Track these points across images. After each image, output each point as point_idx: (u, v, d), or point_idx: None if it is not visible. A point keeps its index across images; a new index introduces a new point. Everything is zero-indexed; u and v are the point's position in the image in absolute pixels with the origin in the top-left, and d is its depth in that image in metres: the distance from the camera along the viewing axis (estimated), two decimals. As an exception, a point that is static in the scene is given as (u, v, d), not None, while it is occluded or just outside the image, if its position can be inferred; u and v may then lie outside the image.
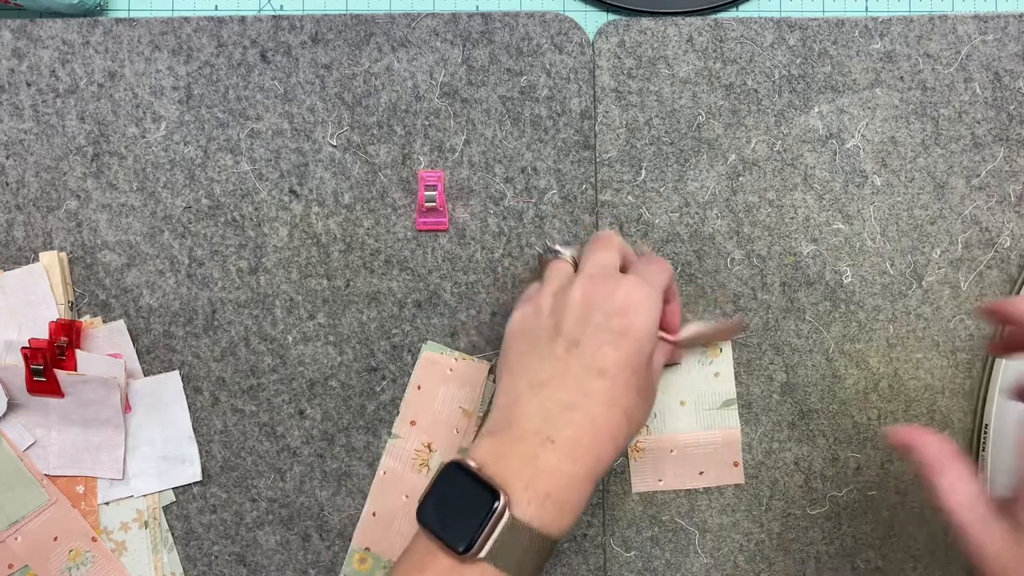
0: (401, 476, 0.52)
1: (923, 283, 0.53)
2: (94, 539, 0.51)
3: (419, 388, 0.52)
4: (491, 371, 0.52)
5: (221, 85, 0.52)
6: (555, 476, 0.39)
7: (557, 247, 0.47)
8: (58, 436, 0.51)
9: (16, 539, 0.50)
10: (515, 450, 0.40)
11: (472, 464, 0.39)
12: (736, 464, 0.52)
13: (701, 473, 0.52)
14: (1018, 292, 0.52)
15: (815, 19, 0.53)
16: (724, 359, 0.52)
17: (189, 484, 0.51)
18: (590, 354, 0.41)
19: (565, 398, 0.40)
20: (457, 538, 0.38)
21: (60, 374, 0.49)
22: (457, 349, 0.52)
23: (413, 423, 0.52)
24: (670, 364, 0.51)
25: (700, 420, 0.52)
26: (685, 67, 0.53)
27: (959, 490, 0.37)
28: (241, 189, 0.52)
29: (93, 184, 0.52)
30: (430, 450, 0.52)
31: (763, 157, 0.53)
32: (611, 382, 0.40)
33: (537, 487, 0.39)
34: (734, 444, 0.52)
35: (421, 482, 0.52)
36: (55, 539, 0.50)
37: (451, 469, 0.40)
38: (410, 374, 0.52)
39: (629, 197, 0.53)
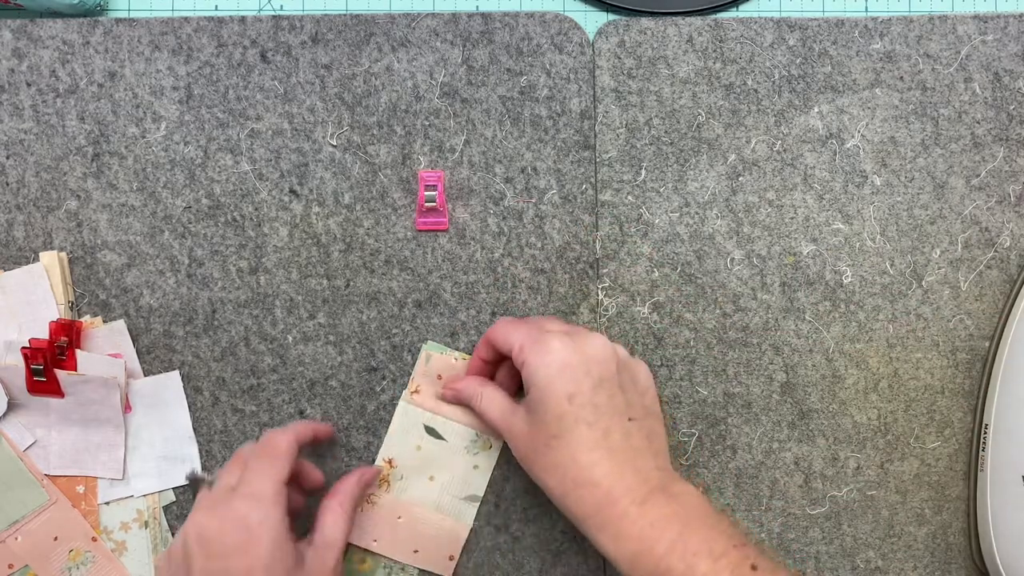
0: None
1: (923, 283, 0.53)
2: (94, 539, 0.51)
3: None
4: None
5: (221, 85, 0.52)
6: None
7: (198, 473, 0.48)
8: (58, 436, 0.51)
9: (16, 539, 0.50)
10: None
11: None
12: (451, 558, 0.51)
13: (416, 551, 0.50)
14: (1018, 292, 0.52)
15: (815, 19, 0.53)
16: (490, 455, 0.51)
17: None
18: None
19: None
20: None
21: (60, 374, 0.49)
22: (457, 349, 0.52)
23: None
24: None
25: (439, 501, 0.51)
26: (685, 67, 0.53)
27: (493, 404, 0.46)
28: (241, 189, 0.52)
29: (93, 184, 0.52)
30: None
31: (763, 157, 0.53)
32: None
33: None
34: (458, 539, 0.51)
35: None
36: (55, 539, 0.50)
37: None
38: (410, 374, 0.52)
39: (629, 197, 0.53)
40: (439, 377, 0.51)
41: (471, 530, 0.51)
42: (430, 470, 0.51)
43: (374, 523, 0.50)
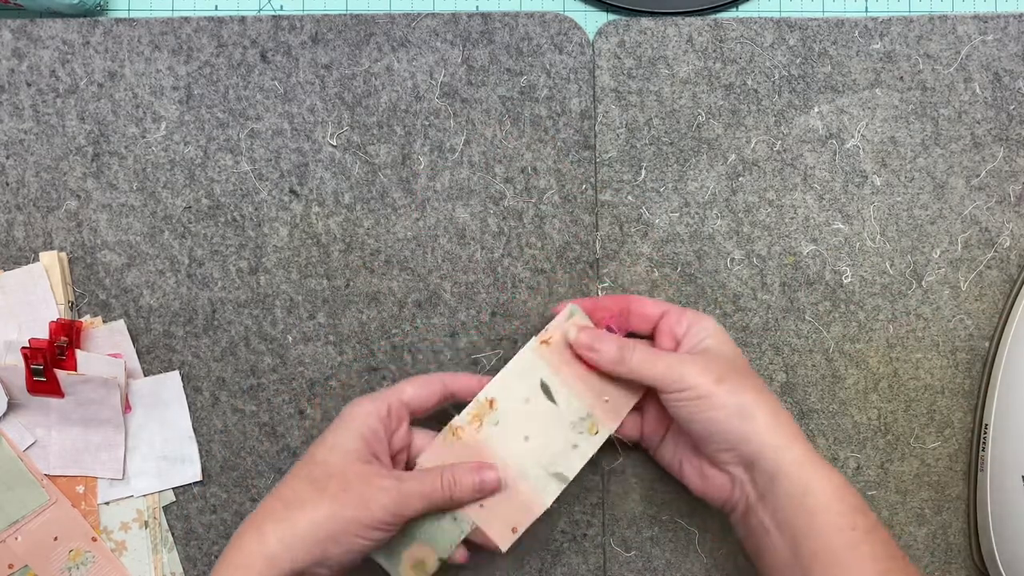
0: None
1: (923, 283, 0.53)
2: (94, 539, 0.51)
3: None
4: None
5: (221, 85, 0.52)
6: None
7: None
8: (58, 436, 0.51)
9: (16, 539, 0.50)
10: None
11: None
12: (514, 530, 0.46)
13: (481, 506, 0.45)
14: (1018, 292, 0.52)
15: (815, 19, 0.53)
16: (592, 441, 0.47)
17: (189, 484, 0.51)
18: None
19: None
20: None
21: (60, 374, 0.49)
22: (457, 349, 0.52)
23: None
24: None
25: (524, 466, 0.46)
26: (685, 67, 0.53)
27: (647, 352, 0.45)
28: (241, 189, 0.52)
29: (93, 184, 0.52)
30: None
31: (763, 157, 0.53)
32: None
33: None
34: (530, 512, 0.46)
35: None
36: (55, 539, 0.50)
37: None
38: (410, 374, 0.52)
39: (629, 197, 0.53)
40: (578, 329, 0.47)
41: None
42: (528, 430, 0.46)
43: (453, 456, 0.46)
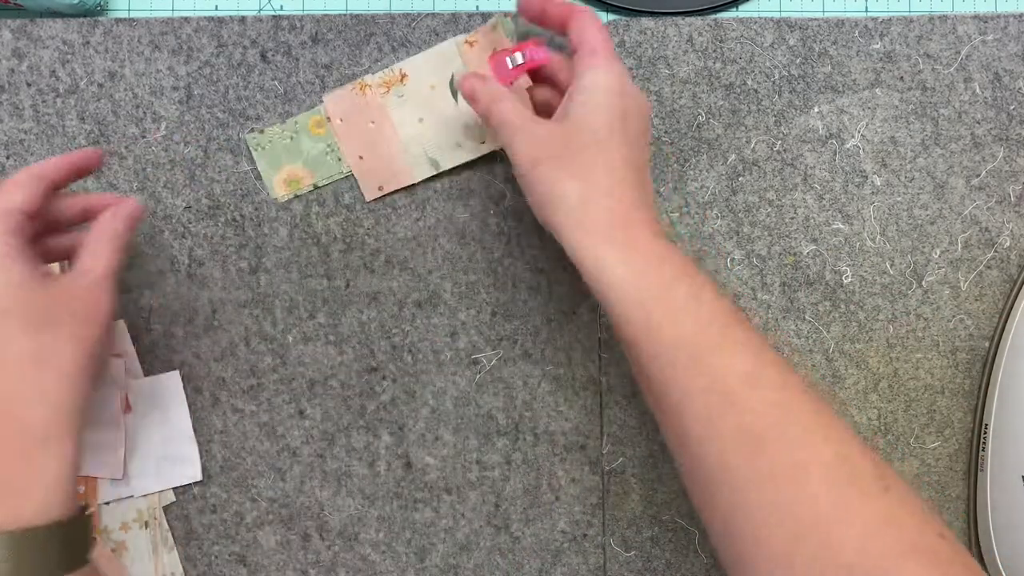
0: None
1: (923, 283, 0.53)
2: (94, 539, 0.51)
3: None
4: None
5: (221, 85, 0.52)
6: None
7: None
8: (58, 436, 0.51)
9: (16, 539, 0.50)
10: None
11: None
12: (380, 188, 0.51)
13: (360, 158, 0.51)
14: (1018, 292, 0.52)
15: (815, 19, 0.53)
16: (475, 149, 0.51)
17: (189, 484, 0.51)
18: None
19: None
20: None
21: (60, 374, 0.49)
22: (457, 349, 0.52)
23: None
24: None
25: (408, 142, 0.51)
26: (685, 67, 0.53)
27: (510, 104, 0.43)
28: (241, 189, 0.52)
29: (93, 184, 0.52)
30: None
31: (763, 157, 0.53)
32: None
33: None
34: (396, 180, 0.51)
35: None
36: (55, 539, 0.50)
37: None
38: (410, 375, 0.52)
39: (629, 197, 0.53)
40: (493, 51, 0.49)
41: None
42: (425, 114, 0.50)
43: (354, 107, 0.50)
